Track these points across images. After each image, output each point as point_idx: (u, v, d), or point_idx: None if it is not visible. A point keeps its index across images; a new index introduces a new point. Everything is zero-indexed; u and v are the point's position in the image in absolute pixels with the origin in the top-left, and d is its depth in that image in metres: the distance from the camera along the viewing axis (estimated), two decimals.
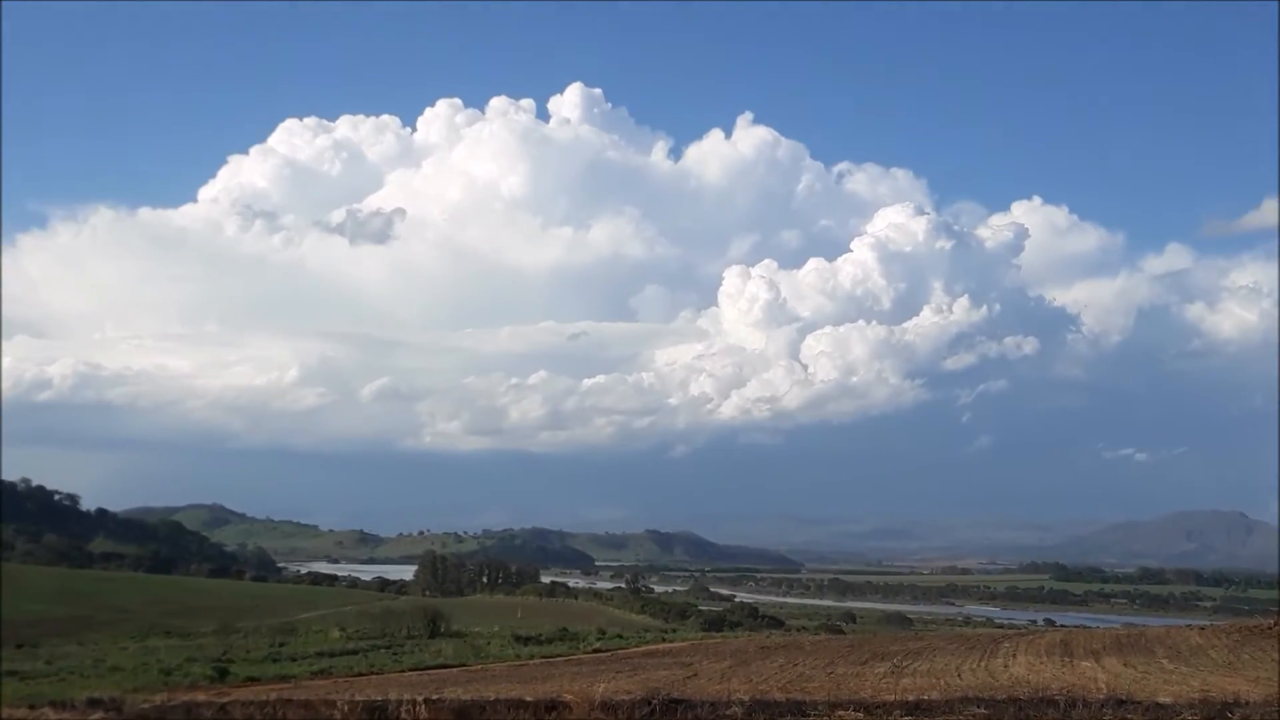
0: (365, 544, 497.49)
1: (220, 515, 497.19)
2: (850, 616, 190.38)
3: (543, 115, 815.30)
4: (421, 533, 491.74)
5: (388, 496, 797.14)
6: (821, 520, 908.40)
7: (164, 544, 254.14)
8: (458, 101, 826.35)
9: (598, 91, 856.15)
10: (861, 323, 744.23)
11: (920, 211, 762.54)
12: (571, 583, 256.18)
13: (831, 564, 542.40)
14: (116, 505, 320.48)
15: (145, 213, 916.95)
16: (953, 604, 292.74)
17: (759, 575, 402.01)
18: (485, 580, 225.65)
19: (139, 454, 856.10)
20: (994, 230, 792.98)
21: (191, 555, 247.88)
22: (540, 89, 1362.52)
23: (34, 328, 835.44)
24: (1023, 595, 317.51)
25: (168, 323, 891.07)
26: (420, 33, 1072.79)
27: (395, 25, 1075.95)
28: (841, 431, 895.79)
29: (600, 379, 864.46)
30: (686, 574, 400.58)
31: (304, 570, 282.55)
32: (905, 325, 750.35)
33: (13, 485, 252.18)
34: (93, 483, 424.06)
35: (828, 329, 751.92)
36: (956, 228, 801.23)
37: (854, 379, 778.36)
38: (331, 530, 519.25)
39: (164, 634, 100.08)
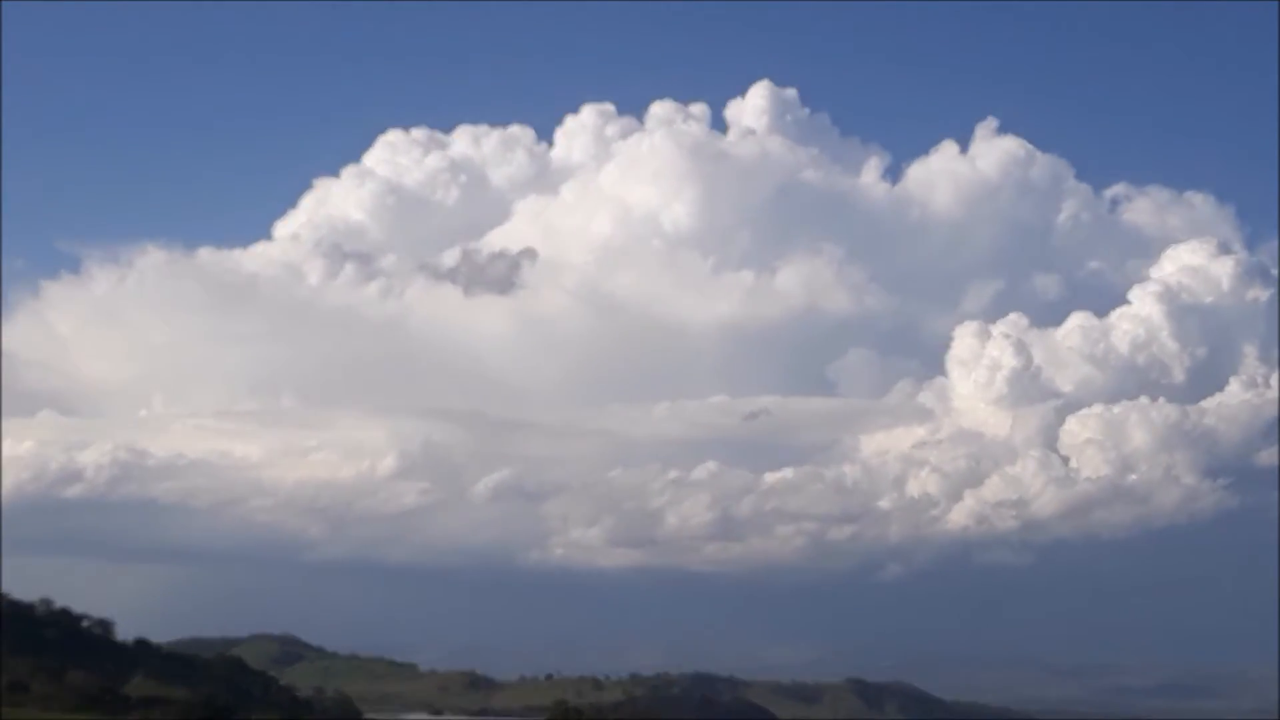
0: (477, 690, 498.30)
1: (292, 649, 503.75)
2: None
3: (719, 124, 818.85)
4: (550, 677, 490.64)
5: (506, 627, 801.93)
6: (1086, 670, 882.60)
7: (220, 686, 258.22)
8: (609, 107, 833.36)
9: (791, 93, 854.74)
10: (1144, 400, 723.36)
11: (1226, 250, 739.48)
12: None
13: None
14: (161, 635, 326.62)
15: (205, 254, 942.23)
16: None
17: None
18: None
19: (191, 568, 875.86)
20: None
21: (255, 701, 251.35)
22: (716, 90, 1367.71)
23: (62, 402, 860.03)
24: None
25: (233, 396, 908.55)
26: (561, 19, 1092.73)
27: (528, 10, 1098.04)
28: (1115, 549, 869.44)
29: (787, 474, 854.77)
30: None
31: None
32: (1204, 404, 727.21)
33: (29, 607, 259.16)
34: (131, 605, 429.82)
35: (1097, 408, 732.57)
36: (1276, 272, 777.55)
37: (1133, 477, 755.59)
38: (434, 671, 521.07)
39: None
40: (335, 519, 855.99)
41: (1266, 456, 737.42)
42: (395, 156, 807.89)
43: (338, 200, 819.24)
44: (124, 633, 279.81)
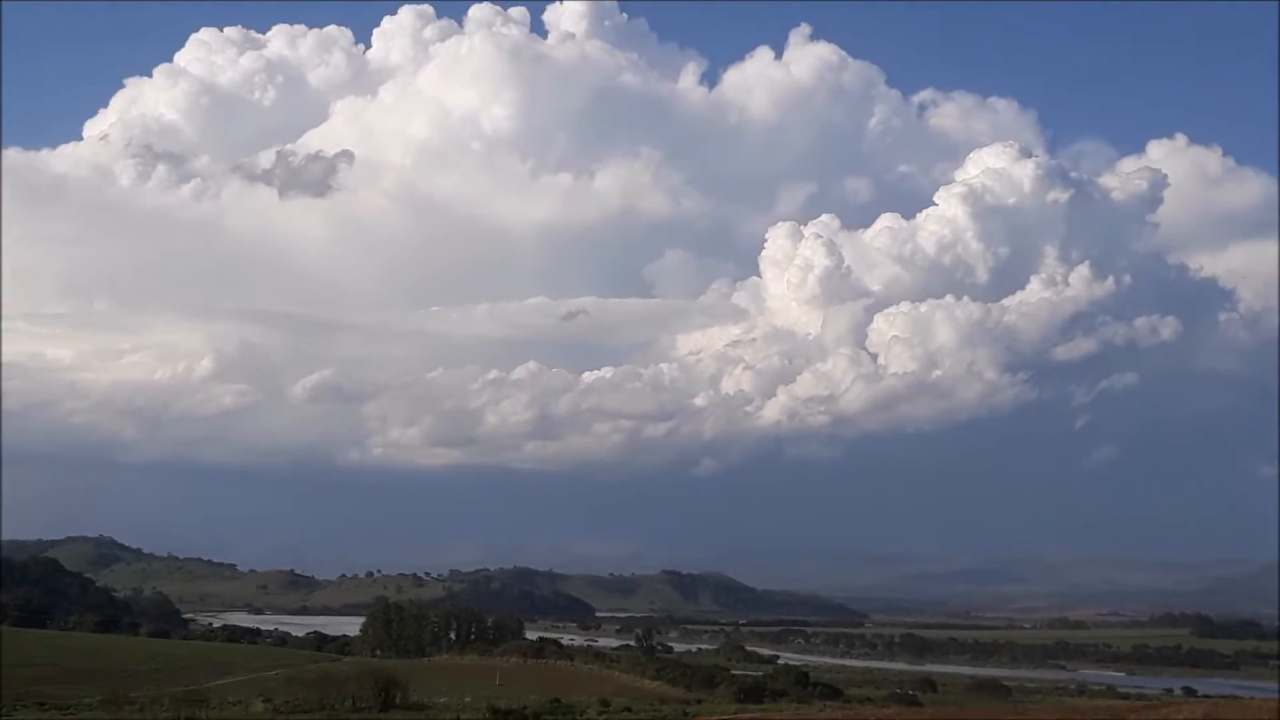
0: (297, 588, 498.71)
1: (109, 551, 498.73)
2: (929, 684, 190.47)
3: (538, 28, 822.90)
4: (370, 574, 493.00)
5: (326, 527, 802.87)
6: (892, 558, 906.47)
7: (36, 588, 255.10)
8: (427, 9, 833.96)
9: None
10: (949, 299, 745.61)
11: (1027, 154, 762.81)
12: (565, 639, 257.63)
13: (905, 615, 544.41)
14: None
15: (13, 155, 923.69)
16: (1063, 667, 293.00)
17: (809, 630, 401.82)
18: (453, 636, 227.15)
19: (5, 471, 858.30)
20: (1124, 179, 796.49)
21: (72, 603, 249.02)
22: None
23: None
24: (1155, 656, 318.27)
25: (42, 299, 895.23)
26: None
27: None
28: (920, 442, 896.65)
29: (605, 373, 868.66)
30: (716, 628, 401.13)
31: (217, 623, 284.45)
32: (1005, 302, 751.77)
33: None
34: None
35: (904, 307, 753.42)
36: (1075, 175, 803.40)
37: (937, 373, 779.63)
38: (253, 571, 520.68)
39: (36, 705, 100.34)
40: (151, 421, 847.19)
41: (1064, 352, 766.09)
42: (209, 56, 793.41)
43: (149, 100, 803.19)
44: None
